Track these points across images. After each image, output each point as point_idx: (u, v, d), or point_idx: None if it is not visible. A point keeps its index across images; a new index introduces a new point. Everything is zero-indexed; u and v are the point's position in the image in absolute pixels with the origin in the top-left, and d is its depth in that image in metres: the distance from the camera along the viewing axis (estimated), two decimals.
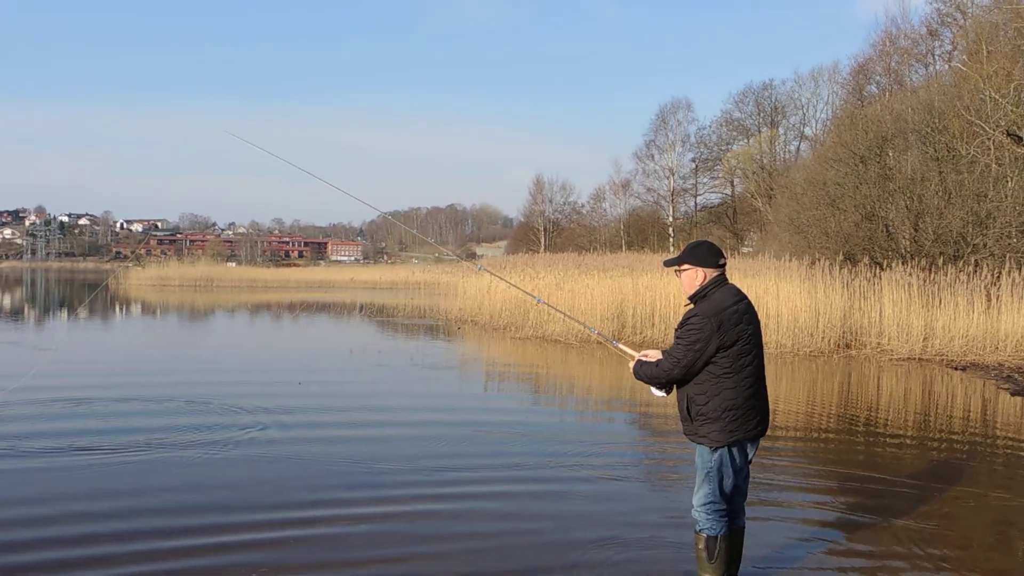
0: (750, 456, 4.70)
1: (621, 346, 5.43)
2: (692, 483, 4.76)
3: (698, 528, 4.67)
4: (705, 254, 4.68)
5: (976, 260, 18.72)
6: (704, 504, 4.62)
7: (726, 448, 4.55)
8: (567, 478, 7.36)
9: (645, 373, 4.76)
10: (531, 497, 6.80)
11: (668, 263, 4.92)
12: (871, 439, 9.47)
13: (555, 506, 6.50)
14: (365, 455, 8.02)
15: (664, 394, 4.83)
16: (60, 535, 5.64)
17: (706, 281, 4.64)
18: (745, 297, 4.68)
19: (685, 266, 4.71)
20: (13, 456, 7.68)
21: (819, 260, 18.60)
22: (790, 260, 19.91)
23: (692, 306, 4.67)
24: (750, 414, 4.56)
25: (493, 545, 5.65)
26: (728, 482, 4.61)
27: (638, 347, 5.55)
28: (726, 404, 4.50)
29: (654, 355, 4.85)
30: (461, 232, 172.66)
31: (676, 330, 4.67)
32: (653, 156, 61.94)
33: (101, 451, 7.89)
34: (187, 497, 6.52)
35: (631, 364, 4.91)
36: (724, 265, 4.71)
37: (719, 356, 4.48)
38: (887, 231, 22.13)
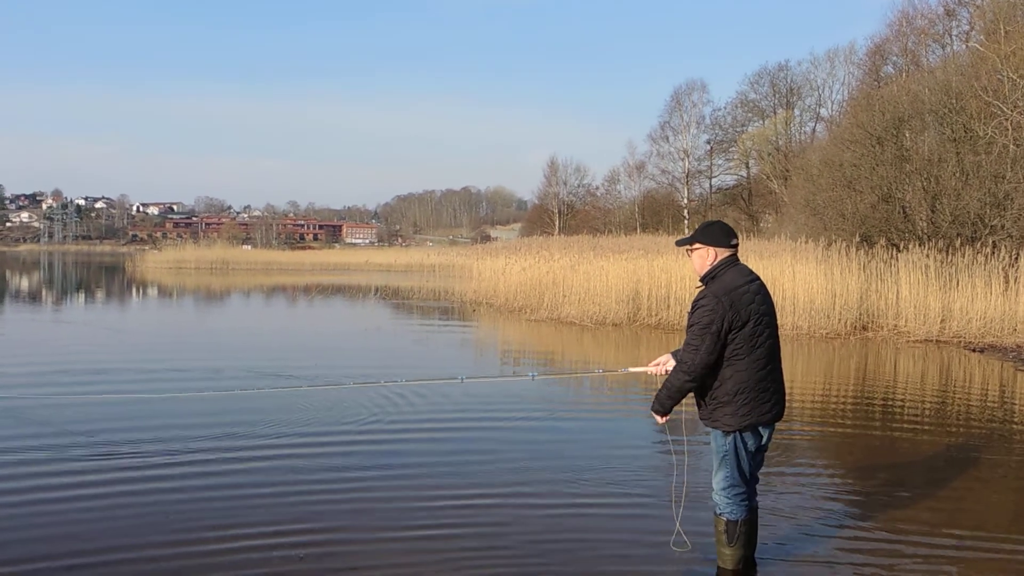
0: (765, 441, 4.62)
1: (632, 369, 5.50)
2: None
3: (718, 511, 4.65)
4: (717, 234, 4.62)
5: (994, 241, 18.60)
6: (724, 488, 4.59)
7: (738, 433, 4.50)
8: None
9: (667, 387, 4.61)
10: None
11: (680, 243, 4.86)
12: (888, 421, 9.49)
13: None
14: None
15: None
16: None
17: (717, 261, 4.58)
18: (757, 278, 4.62)
19: (697, 245, 4.66)
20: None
21: (835, 242, 18.53)
22: (806, 242, 19.85)
23: (703, 287, 4.62)
24: (763, 397, 4.48)
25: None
26: (745, 466, 4.57)
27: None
28: (737, 387, 4.43)
29: (664, 359, 4.89)
30: (475, 214, 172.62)
31: (689, 316, 4.63)
32: (668, 138, 61.76)
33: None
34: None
35: (654, 406, 4.73)
36: (736, 246, 4.66)
37: (731, 336, 4.42)
38: (904, 212, 22.01)
